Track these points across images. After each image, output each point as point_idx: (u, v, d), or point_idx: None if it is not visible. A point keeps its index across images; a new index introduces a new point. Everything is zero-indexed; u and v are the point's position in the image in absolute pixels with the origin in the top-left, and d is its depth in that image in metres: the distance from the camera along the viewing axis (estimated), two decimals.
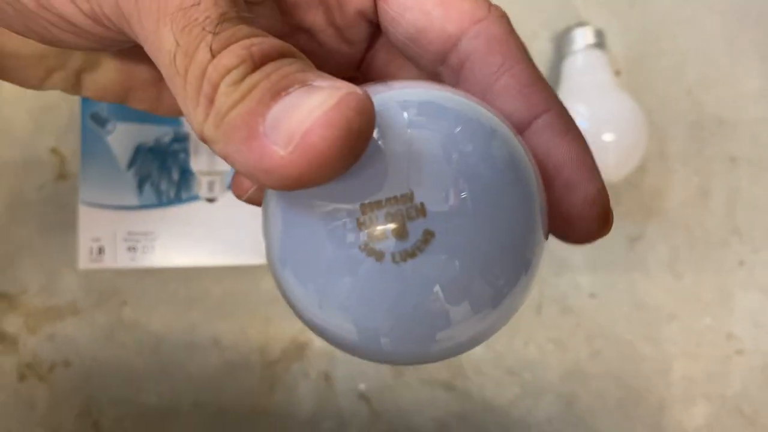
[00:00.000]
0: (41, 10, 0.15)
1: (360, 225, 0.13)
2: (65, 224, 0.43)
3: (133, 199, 0.33)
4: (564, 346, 0.43)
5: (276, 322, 0.43)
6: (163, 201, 0.33)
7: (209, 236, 0.33)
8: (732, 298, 0.44)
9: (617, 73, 0.46)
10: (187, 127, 0.33)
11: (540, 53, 0.45)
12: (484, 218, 0.14)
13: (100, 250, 0.32)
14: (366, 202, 0.13)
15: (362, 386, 0.43)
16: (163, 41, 0.13)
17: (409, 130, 0.14)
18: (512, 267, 0.15)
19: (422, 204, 0.13)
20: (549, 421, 0.43)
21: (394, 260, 0.14)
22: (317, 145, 0.11)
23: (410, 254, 0.14)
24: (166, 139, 0.33)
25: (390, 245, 0.13)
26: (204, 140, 0.13)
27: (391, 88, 0.15)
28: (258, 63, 0.12)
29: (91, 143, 0.33)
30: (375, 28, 0.18)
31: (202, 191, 0.33)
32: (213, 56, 0.12)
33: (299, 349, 0.43)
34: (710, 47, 0.46)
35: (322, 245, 0.14)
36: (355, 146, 0.12)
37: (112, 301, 0.42)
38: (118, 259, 0.33)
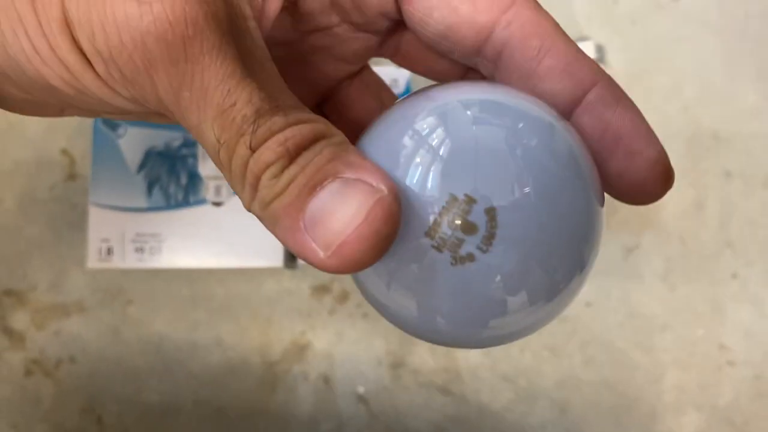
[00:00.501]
0: (79, 94, 0.16)
1: (433, 226, 0.15)
2: (74, 224, 0.44)
3: (142, 202, 0.34)
4: (559, 353, 0.44)
5: (277, 324, 0.44)
6: (171, 204, 0.34)
7: (215, 239, 0.34)
8: (725, 310, 0.45)
9: None
10: None
11: None
12: (547, 213, 0.15)
13: (109, 251, 0.34)
14: (438, 204, 0.15)
15: (361, 389, 0.44)
16: (205, 137, 0.15)
17: (474, 127, 0.15)
18: (569, 262, 0.16)
19: (490, 202, 0.14)
20: (543, 426, 0.43)
21: (461, 258, 0.15)
22: (352, 254, 0.13)
23: (478, 250, 0.14)
24: (176, 143, 0.34)
25: (460, 244, 0.15)
26: (251, 212, 0.15)
27: (450, 89, 0.16)
28: (294, 155, 0.14)
29: (103, 146, 0.34)
30: (396, 22, 0.18)
31: (209, 195, 0.34)
32: (252, 151, 0.14)
33: (299, 351, 0.44)
34: (708, 65, 0.47)
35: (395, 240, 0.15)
36: (384, 247, 0.14)
37: (117, 300, 0.43)
38: (126, 259, 0.34)
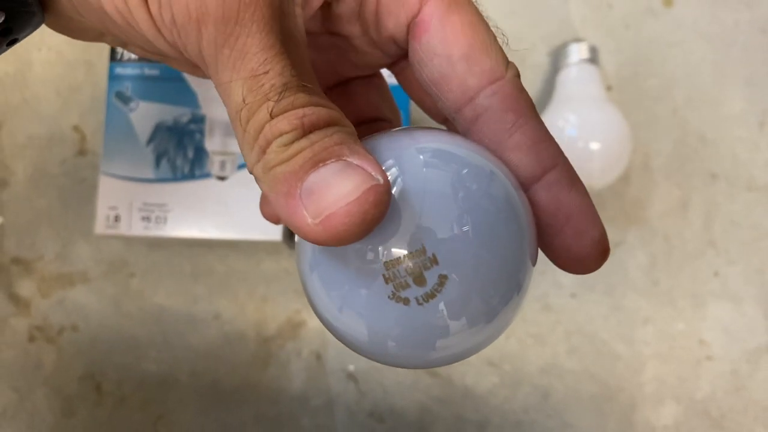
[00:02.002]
0: (126, 26, 0.17)
1: (394, 260, 0.16)
2: (83, 198, 0.45)
3: (149, 173, 0.35)
4: (543, 342, 0.46)
5: (273, 301, 0.45)
6: (177, 176, 0.36)
7: (218, 211, 0.35)
8: (705, 306, 0.47)
9: (609, 88, 0.48)
10: (203, 110, 0.36)
11: (537, 65, 0.48)
12: (484, 247, 0.17)
13: (117, 218, 0.35)
14: (388, 260, 0.16)
15: (351, 367, 0.45)
16: (232, 94, 0.16)
17: (424, 170, 0.17)
18: (506, 288, 0.17)
19: (434, 254, 0.16)
20: (525, 411, 0.45)
21: (399, 297, 0.16)
22: (337, 226, 0.14)
23: (415, 301, 0.16)
24: (184, 119, 0.36)
25: (405, 287, 0.16)
26: (252, 174, 0.16)
27: (411, 136, 0.18)
28: (307, 130, 0.15)
29: (115, 119, 0.36)
30: (404, 51, 0.20)
31: (214, 169, 0.36)
32: (271, 118, 0.15)
33: (294, 329, 0.45)
34: (697, 70, 0.49)
35: (349, 271, 0.17)
36: (367, 229, 0.15)
37: (121, 272, 0.45)
38: (133, 227, 0.35)
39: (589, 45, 0.46)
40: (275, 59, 0.16)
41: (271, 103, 0.15)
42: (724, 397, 0.46)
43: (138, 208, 0.35)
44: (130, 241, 0.44)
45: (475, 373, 0.45)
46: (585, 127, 0.43)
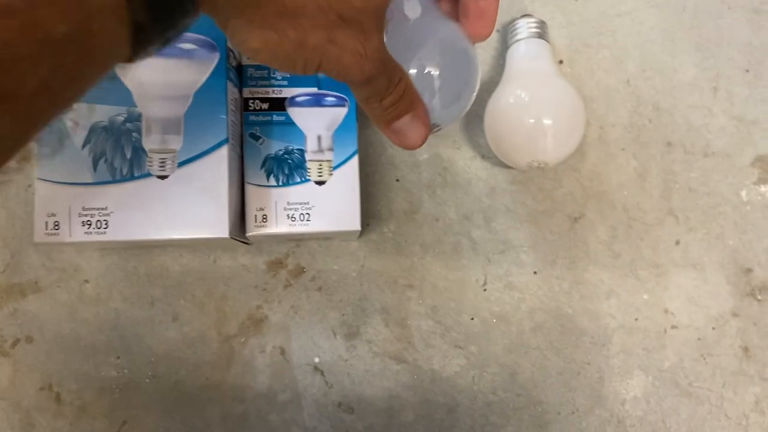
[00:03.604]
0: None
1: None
2: (29, 205, 0.44)
3: (87, 176, 0.34)
4: (507, 321, 0.45)
5: (233, 298, 0.45)
6: (116, 178, 0.34)
7: (161, 212, 0.34)
8: (668, 276, 0.47)
9: (560, 62, 0.48)
10: (139, 108, 0.35)
11: (487, 42, 0.47)
12: (456, 69, 0.33)
13: (56, 225, 0.34)
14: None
15: (316, 359, 0.45)
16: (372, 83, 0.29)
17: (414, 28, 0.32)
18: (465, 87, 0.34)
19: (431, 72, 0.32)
20: (493, 391, 0.45)
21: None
22: (409, 145, 0.32)
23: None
24: (120, 119, 0.35)
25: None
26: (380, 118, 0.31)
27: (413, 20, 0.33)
28: (399, 101, 0.30)
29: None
30: None
31: (154, 168, 0.34)
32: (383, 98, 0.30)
33: (256, 325, 0.45)
34: (648, 39, 0.49)
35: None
36: (423, 142, 0.32)
37: (74, 279, 0.44)
38: (73, 233, 0.34)
39: (537, 19, 0.45)
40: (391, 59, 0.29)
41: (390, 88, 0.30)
42: (692, 365, 0.46)
43: (77, 213, 0.34)
44: (80, 246, 0.43)
45: (442, 357, 0.45)
46: (536, 103, 0.42)
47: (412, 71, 0.31)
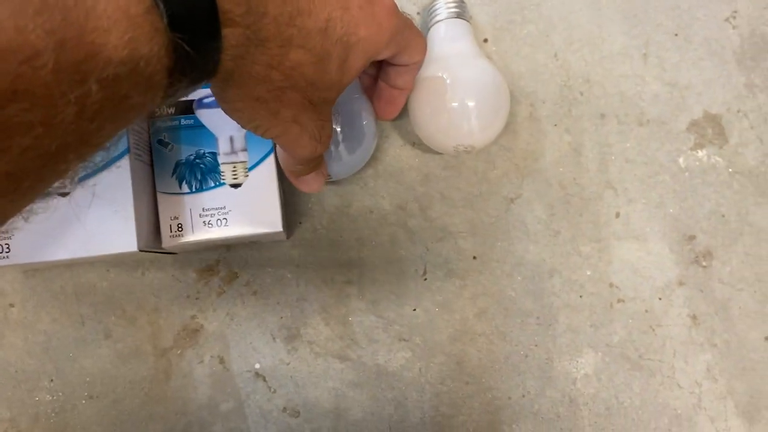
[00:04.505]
0: None
1: None
2: None
3: None
4: (450, 309, 0.45)
5: (166, 310, 0.43)
6: None
7: (64, 232, 0.33)
8: (610, 249, 0.46)
9: (485, 41, 0.47)
10: None
11: None
12: (353, 138, 0.39)
13: None
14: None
15: (257, 365, 0.44)
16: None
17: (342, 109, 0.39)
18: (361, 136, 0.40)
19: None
20: (442, 381, 0.44)
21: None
22: (311, 191, 0.38)
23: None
24: None
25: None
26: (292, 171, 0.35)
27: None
28: (308, 164, 0.34)
29: None
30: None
31: (54, 186, 0.33)
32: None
33: (191, 335, 0.43)
34: (573, 10, 0.48)
35: None
36: (320, 187, 0.37)
37: None
38: None
39: None
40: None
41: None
42: (641, 338, 0.45)
43: None
44: (2, 269, 0.41)
45: (386, 351, 0.44)
46: (458, 86, 0.41)
47: None
